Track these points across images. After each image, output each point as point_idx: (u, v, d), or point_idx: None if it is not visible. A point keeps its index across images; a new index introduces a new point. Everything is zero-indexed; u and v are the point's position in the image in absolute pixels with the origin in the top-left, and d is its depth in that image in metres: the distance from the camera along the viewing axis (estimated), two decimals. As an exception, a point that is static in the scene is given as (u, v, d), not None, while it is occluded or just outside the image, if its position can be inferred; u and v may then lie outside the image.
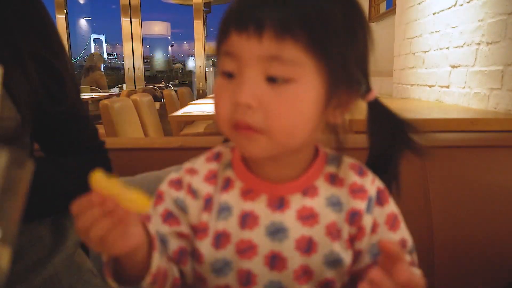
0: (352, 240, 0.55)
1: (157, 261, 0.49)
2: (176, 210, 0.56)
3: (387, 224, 0.56)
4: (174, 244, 0.56)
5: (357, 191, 0.56)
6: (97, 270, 0.75)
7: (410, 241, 0.57)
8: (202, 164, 0.59)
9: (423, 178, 0.95)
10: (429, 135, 1.02)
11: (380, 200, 0.56)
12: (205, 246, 0.55)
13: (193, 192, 0.57)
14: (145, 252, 0.48)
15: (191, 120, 3.91)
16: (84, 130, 0.71)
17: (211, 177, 0.57)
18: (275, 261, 0.54)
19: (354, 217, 0.55)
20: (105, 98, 3.35)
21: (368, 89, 0.54)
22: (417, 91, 2.46)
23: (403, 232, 0.57)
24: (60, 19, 6.97)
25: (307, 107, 0.49)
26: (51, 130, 0.67)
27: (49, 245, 0.66)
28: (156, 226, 0.56)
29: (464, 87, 1.87)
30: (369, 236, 0.55)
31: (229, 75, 0.49)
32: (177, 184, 0.58)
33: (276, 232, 0.54)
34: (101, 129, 2.62)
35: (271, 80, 0.47)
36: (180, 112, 3.07)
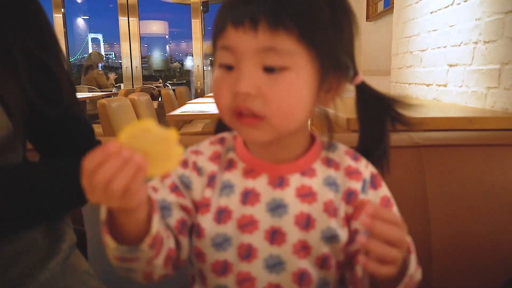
0: (349, 219, 0.58)
1: (157, 224, 0.50)
2: (181, 185, 0.59)
3: (381, 205, 0.59)
4: (178, 214, 0.58)
5: (352, 173, 0.59)
6: (94, 271, 0.75)
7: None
8: (206, 147, 0.63)
9: (421, 177, 0.95)
10: (427, 134, 1.02)
11: (374, 184, 0.60)
12: (206, 221, 0.58)
13: (198, 169, 0.60)
14: (146, 211, 0.48)
15: (189, 119, 3.91)
16: (80, 130, 0.70)
17: (216, 158, 0.61)
18: (275, 235, 0.57)
19: (350, 196, 0.58)
20: (104, 97, 3.34)
21: (355, 73, 0.59)
22: (415, 90, 2.46)
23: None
24: (58, 18, 6.94)
25: (302, 91, 0.53)
26: (46, 131, 0.65)
27: (44, 250, 0.65)
28: (163, 195, 0.58)
29: (461, 86, 1.88)
30: None
31: (228, 67, 0.52)
32: (183, 163, 0.61)
33: (277, 208, 0.57)
34: (98, 129, 2.61)
35: (268, 69, 0.51)
36: (178, 112, 3.07)
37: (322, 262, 0.57)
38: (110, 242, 0.48)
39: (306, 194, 0.57)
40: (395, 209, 0.60)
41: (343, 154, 0.61)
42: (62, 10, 7.03)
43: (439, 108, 1.83)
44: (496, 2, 1.59)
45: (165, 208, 0.57)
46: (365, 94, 0.61)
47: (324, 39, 0.52)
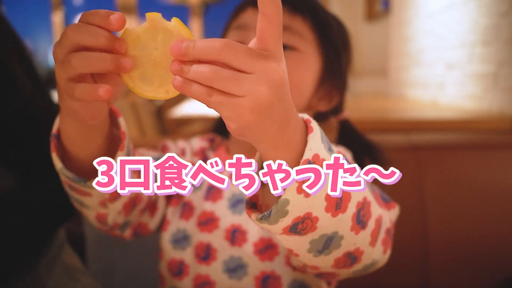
0: None
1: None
2: None
3: None
4: None
5: None
6: (93, 270, 0.74)
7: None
8: (196, 141, 0.65)
9: (418, 179, 0.95)
10: (425, 135, 1.03)
11: None
12: (171, 214, 0.58)
13: (184, 156, 0.62)
14: (104, 140, 0.43)
15: (188, 119, 3.90)
16: (44, 118, 0.60)
17: (199, 153, 0.63)
18: (235, 234, 0.54)
19: None
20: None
21: (341, 109, 0.63)
22: (412, 91, 2.47)
23: None
24: (57, 18, 6.93)
25: (305, 75, 0.56)
26: (5, 136, 0.59)
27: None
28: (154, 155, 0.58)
29: (458, 88, 1.89)
30: None
31: None
32: (172, 145, 0.63)
33: (237, 203, 0.56)
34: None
35: None
36: (177, 112, 3.07)
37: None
38: (56, 161, 0.42)
39: None
40: None
41: None
42: (62, 9, 7.02)
43: (436, 109, 1.84)
44: (493, 5, 1.60)
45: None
46: (348, 132, 0.63)
47: (332, 43, 0.57)
